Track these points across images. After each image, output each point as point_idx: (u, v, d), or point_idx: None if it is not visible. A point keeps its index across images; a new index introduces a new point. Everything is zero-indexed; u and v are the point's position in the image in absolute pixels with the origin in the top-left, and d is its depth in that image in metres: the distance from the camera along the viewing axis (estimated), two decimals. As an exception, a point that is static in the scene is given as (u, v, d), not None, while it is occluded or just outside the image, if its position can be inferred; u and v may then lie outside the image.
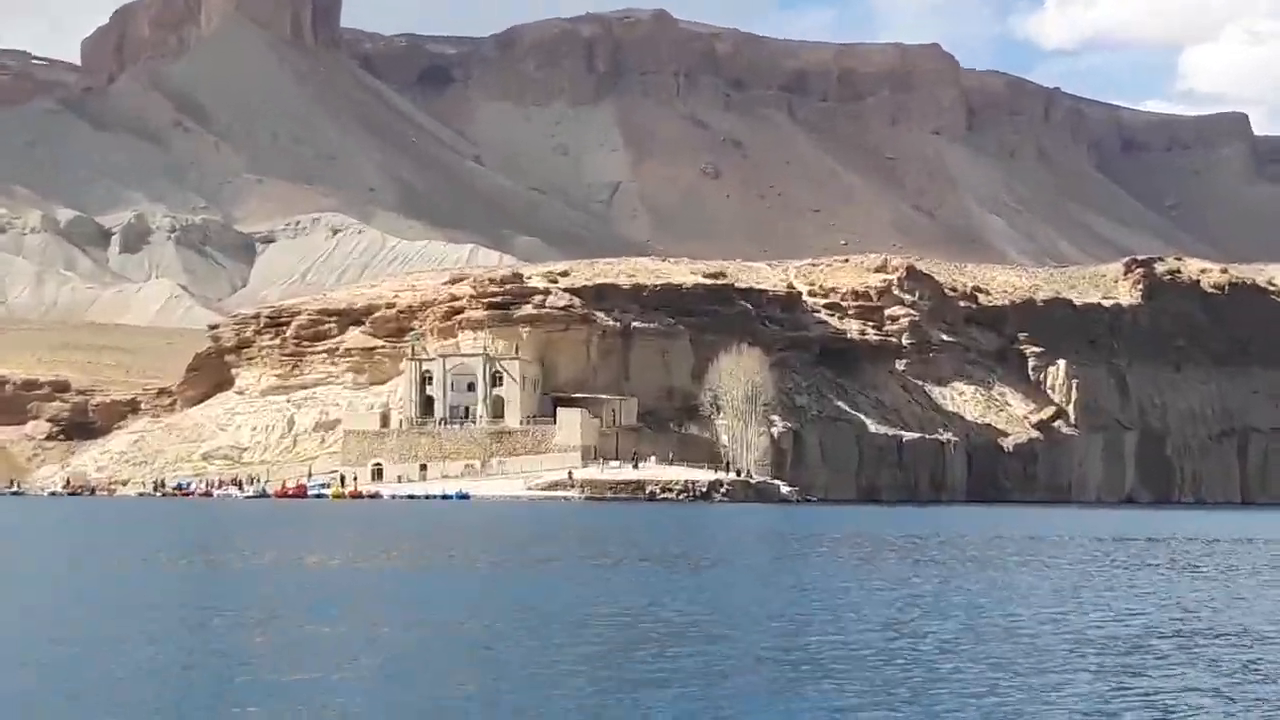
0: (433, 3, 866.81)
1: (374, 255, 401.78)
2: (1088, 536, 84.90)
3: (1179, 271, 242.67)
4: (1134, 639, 27.80)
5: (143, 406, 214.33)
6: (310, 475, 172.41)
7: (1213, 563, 59.40)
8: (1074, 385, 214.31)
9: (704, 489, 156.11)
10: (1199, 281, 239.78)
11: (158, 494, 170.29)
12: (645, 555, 57.13)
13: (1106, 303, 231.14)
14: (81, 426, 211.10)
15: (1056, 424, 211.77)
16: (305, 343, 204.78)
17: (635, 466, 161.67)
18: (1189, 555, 65.92)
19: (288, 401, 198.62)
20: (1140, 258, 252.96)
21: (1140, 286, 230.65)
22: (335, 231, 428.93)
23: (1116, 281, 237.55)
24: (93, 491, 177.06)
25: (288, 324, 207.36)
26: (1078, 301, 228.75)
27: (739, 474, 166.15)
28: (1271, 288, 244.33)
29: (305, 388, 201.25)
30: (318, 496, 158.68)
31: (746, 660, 24.86)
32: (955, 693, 21.57)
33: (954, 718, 19.67)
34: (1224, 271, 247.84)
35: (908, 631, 29.48)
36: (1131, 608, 35.40)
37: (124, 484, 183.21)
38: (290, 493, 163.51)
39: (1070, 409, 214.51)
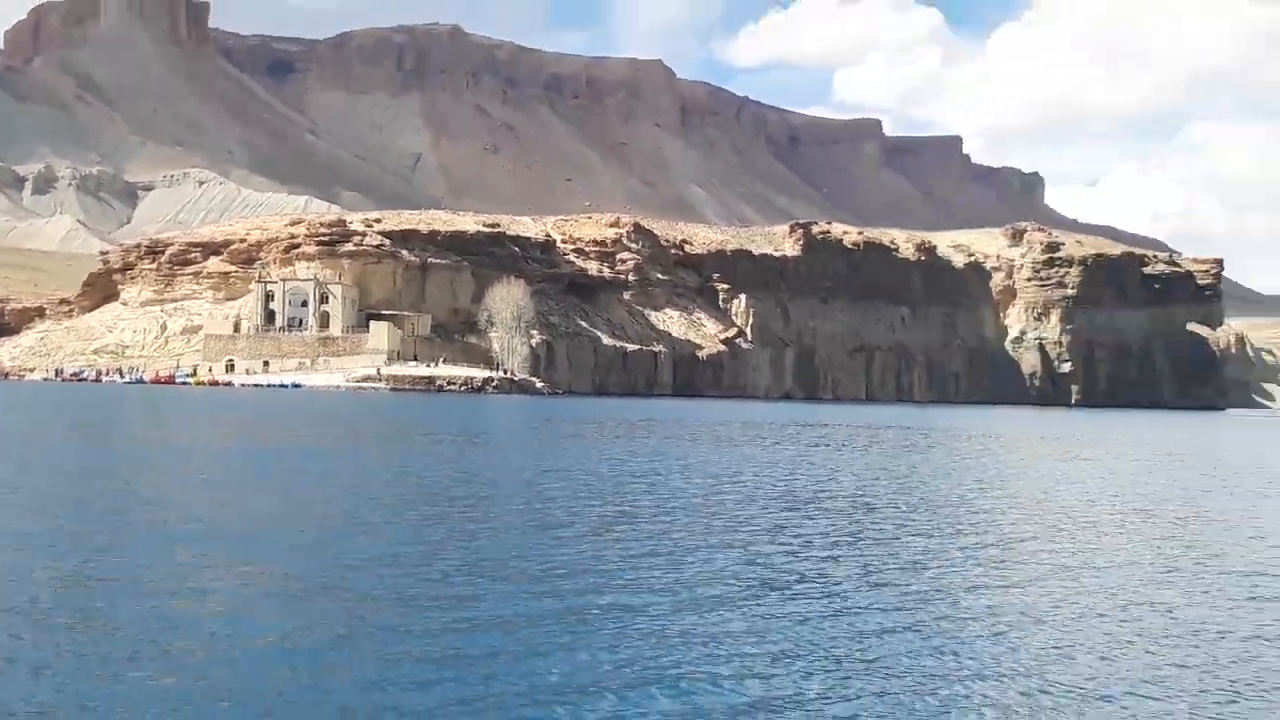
0: (282, 10, 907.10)
1: (231, 202, 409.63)
2: (766, 421, 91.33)
3: (828, 233, 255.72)
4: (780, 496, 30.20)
5: (48, 312, 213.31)
6: (178, 367, 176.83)
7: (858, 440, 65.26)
8: (751, 313, 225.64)
9: (479, 384, 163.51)
10: (842, 240, 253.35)
11: (57, 379, 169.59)
12: (435, 432, 61.57)
13: (776, 254, 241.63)
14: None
15: (738, 341, 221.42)
16: (176, 267, 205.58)
17: (429, 365, 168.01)
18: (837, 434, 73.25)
19: (161, 311, 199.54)
20: (801, 222, 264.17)
21: (800, 243, 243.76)
22: (201, 183, 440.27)
23: (784, 239, 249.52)
24: (5, 376, 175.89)
25: (163, 252, 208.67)
26: (755, 252, 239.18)
27: (506, 373, 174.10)
28: (892, 246, 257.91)
29: (175, 301, 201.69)
30: (182, 383, 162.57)
31: (505, 507, 26.87)
32: (647, 521, 24.48)
33: (643, 535, 22.43)
34: (860, 234, 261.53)
35: (615, 485, 32.16)
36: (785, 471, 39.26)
37: (30, 371, 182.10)
38: (161, 379, 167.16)
39: (748, 330, 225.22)
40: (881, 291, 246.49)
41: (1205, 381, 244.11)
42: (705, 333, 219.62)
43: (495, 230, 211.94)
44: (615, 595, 17.20)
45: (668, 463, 43.66)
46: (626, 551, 21.04)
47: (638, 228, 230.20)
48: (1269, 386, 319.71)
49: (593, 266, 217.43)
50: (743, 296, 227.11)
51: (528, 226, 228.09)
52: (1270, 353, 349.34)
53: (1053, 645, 15.34)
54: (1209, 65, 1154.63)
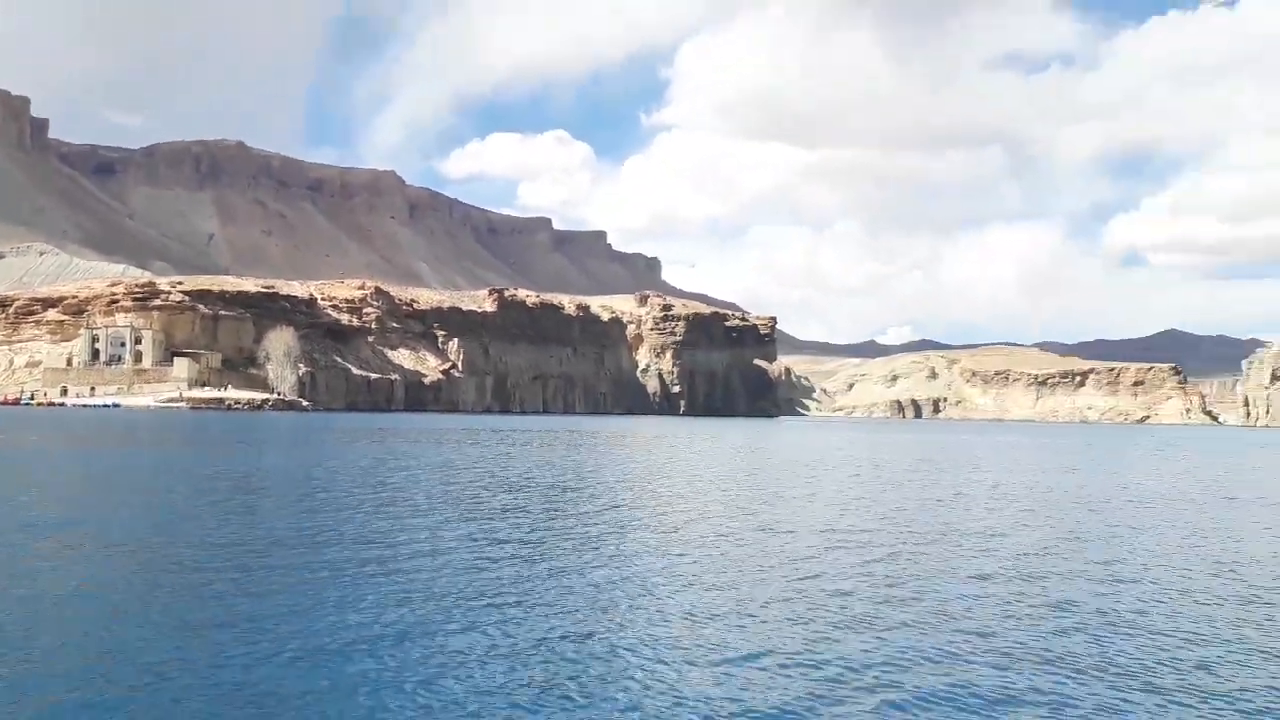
0: (107, 124, 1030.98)
1: (65, 268, 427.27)
2: (478, 427, 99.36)
3: (515, 295, 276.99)
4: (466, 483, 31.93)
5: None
6: (22, 392, 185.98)
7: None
8: (461, 351, 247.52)
9: (259, 404, 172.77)
10: (525, 301, 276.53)
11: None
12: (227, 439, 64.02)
13: (479, 310, 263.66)
14: None
15: (452, 371, 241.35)
16: (22, 316, 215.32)
17: (220, 390, 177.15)
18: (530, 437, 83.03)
19: (10, 349, 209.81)
20: (496, 288, 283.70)
21: (496, 302, 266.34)
22: (41, 254, 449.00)
23: (484, 299, 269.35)
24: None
25: (11, 305, 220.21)
26: (464, 308, 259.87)
27: (279, 395, 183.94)
28: (559, 305, 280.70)
29: (21, 342, 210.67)
30: (26, 404, 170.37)
31: (274, 493, 29.51)
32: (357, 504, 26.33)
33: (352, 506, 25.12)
34: (537, 297, 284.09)
35: (355, 476, 35.19)
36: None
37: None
38: (9, 401, 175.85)
39: (459, 363, 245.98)
40: (553, 337, 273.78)
41: (765, 398, 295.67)
42: (428, 365, 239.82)
43: (271, 290, 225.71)
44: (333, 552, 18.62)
45: (396, 452, 49.03)
46: (380, 521, 22.76)
47: (378, 290, 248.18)
48: (806, 401, 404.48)
49: (345, 318, 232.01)
50: (455, 340, 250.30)
51: (296, 288, 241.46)
52: (805, 379, 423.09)
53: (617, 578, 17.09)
54: (765, 189, 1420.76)
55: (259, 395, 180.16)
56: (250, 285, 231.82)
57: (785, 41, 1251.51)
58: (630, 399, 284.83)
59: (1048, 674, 12.67)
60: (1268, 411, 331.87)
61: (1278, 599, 17.94)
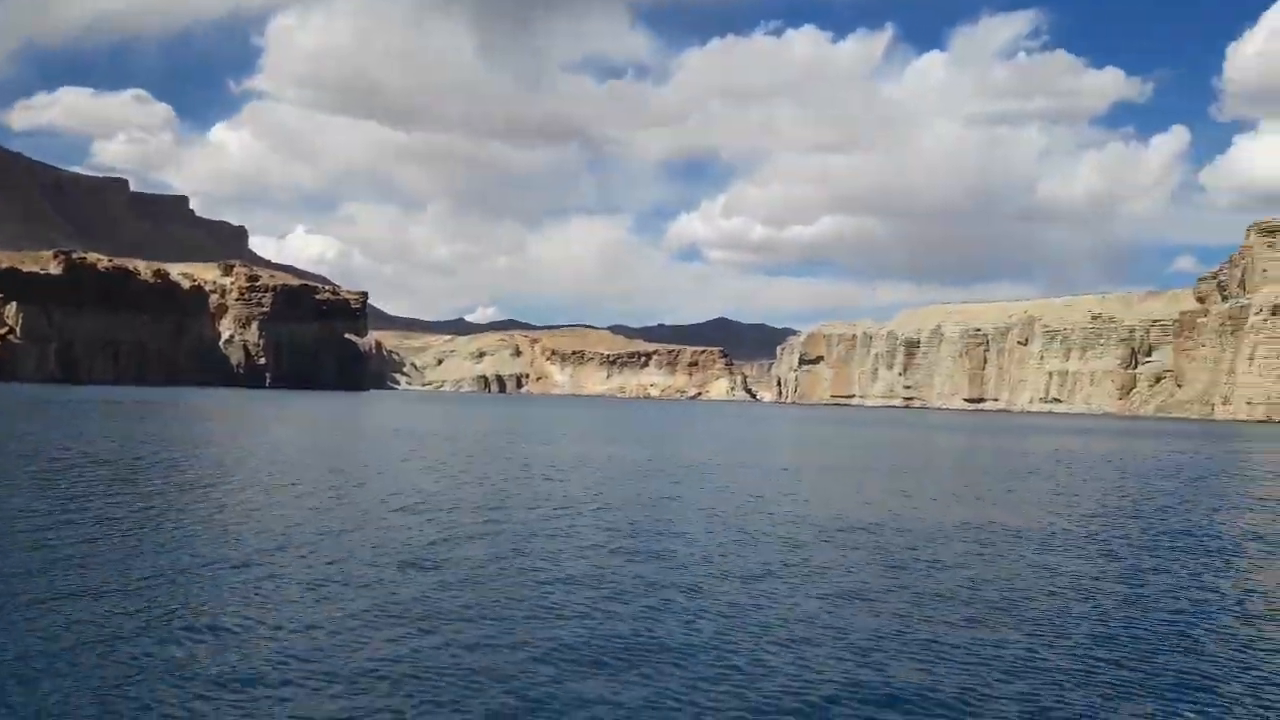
0: None
1: None
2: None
3: (85, 258, 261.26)
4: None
5: None
6: None
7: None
8: (21, 317, 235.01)
9: None
10: (96, 265, 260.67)
11: None
12: None
13: (43, 272, 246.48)
14: None
15: (9, 337, 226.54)
16: None
17: None
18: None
19: None
20: (64, 250, 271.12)
21: (63, 265, 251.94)
22: None
23: (49, 260, 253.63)
24: None
25: None
26: (24, 270, 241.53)
27: None
28: (137, 273, 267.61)
29: None
30: None
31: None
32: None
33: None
34: (110, 262, 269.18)
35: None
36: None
37: None
38: None
39: (18, 330, 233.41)
40: (127, 304, 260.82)
41: (356, 372, 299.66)
42: None
43: None
44: None
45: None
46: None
47: None
48: (397, 375, 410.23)
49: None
50: (14, 304, 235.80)
51: None
52: (396, 354, 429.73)
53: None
54: (357, 166, 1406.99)
55: None
56: None
57: (382, 22, 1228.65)
58: (212, 371, 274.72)
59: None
60: (795, 390, 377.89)
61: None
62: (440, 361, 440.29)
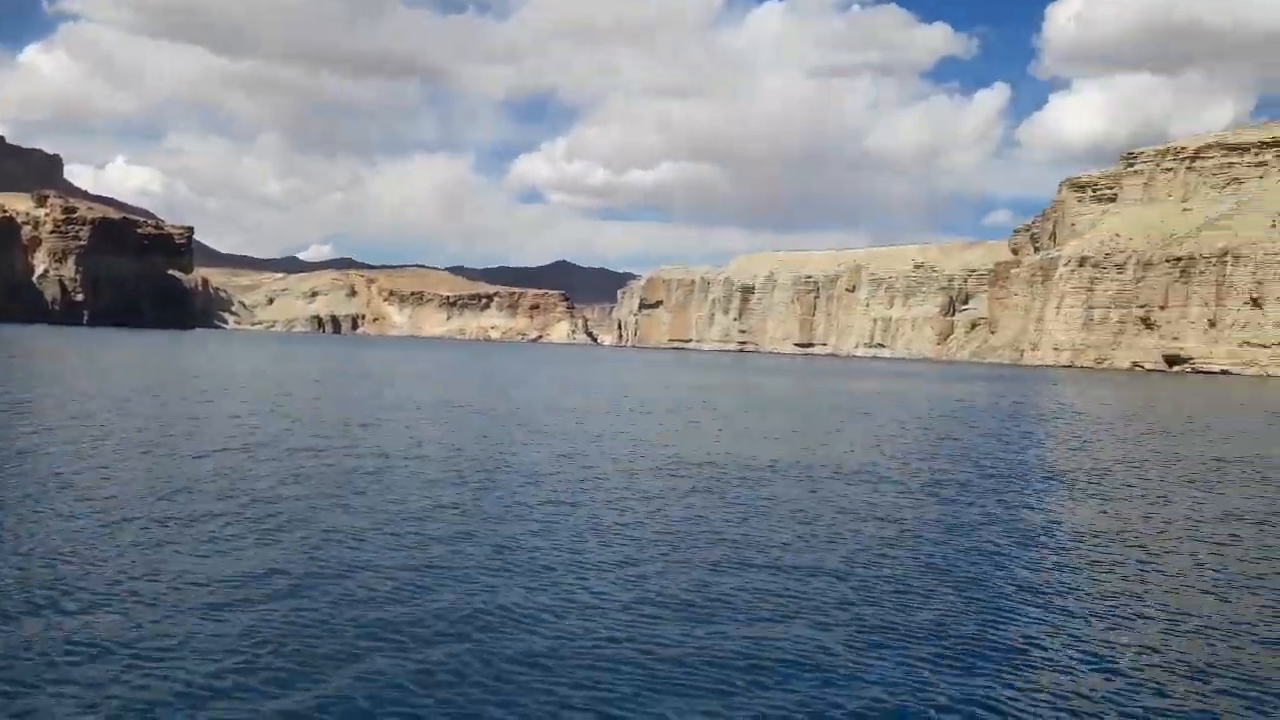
0: None
1: None
2: None
3: None
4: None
5: None
6: None
7: None
8: None
9: None
10: None
11: None
12: None
13: None
14: None
15: None
16: None
17: None
18: None
19: None
20: None
21: None
22: None
23: None
24: None
25: None
26: None
27: None
28: None
29: None
30: None
31: None
32: None
33: None
34: None
35: None
36: None
37: None
38: None
39: None
40: None
41: (181, 310, 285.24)
42: None
43: None
44: None
45: None
46: None
47: None
48: (225, 314, 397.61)
49: None
50: None
51: None
52: (224, 292, 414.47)
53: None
54: (182, 94, 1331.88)
55: None
56: None
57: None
58: (25, 307, 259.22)
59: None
60: (635, 333, 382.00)
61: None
62: (271, 301, 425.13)
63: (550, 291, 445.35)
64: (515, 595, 11.54)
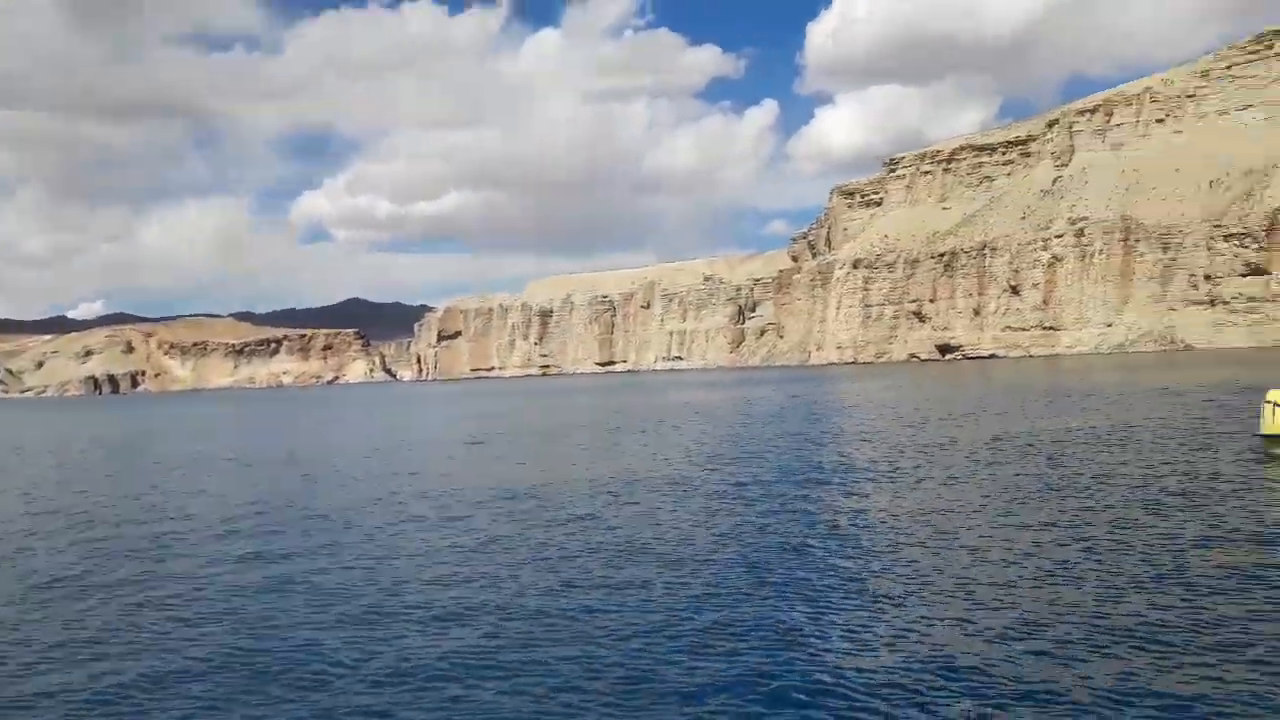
0: None
1: None
2: None
3: None
4: None
5: None
6: None
7: None
8: None
9: None
10: None
11: None
12: None
13: None
14: None
15: None
16: None
17: None
18: None
19: None
20: None
21: None
22: None
23: None
24: None
25: None
26: None
27: None
28: None
29: None
30: None
31: None
32: None
33: None
34: None
35: None
36: None
37: None
38: None
39: None
40: None
41: None
42: None
43: None
44: None
45: None
46: None
47: None
48: None
49: None
50: None
51: None
52: None
53: None
54: None
55: None
56: None
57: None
58: None
59: None
60: (436, 366, 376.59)
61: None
62: (40, 364, 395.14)
63: (343, 331, 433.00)
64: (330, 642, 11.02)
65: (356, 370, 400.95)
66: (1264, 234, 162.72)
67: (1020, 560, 13.16)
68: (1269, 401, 20.66)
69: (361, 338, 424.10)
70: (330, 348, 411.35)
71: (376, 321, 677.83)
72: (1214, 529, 14.29)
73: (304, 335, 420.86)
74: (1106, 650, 9.32)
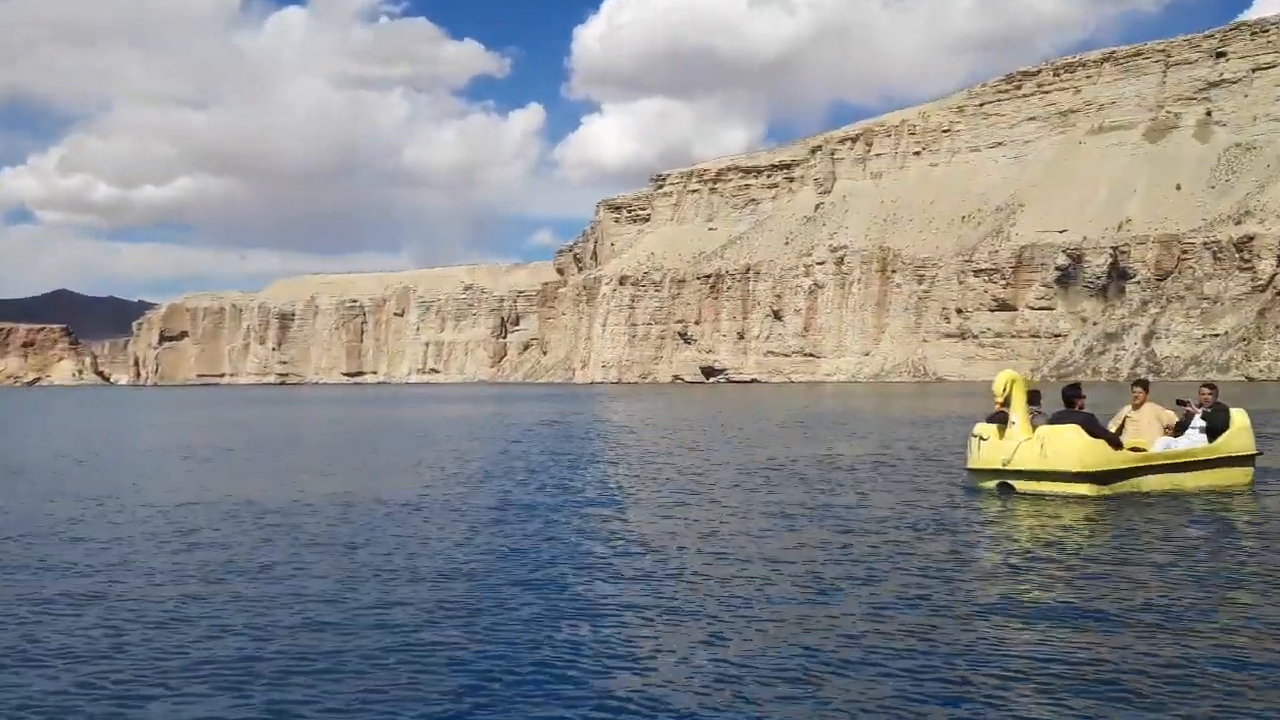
0: None
1: None
2: None
3: None
4: None
5: None
6: None
7: None
8: None
9: None
10: None
11: None
12: None
13: None
14: None
15: None
16: None
17: None
18: None
19: None
20: None
21: None
22: None
23: None
24: None
25: None
26: None
27: None
28: None
29: None
30: None
31: None
32: None
33: None
34: None
35: None
36: None
37: None
38: None
39: None
40: None
41: None
42: None
43: None
44: None
45: None
46: None
47: None
48: None
49: None
50: None
51: None
52: None
53: None
54: None
55: None
56: None
57: None
58: None
59: None
60: (157, 370, 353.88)
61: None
62: None
63: (49, 326, 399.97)
64: None
65: (63, 371, 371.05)
66: (1011, 271, 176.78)
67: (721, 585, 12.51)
68: (975, 435, 21.58)
69: (69, 334, 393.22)
70: (32, 344, 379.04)
71: (88, 317, 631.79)
72: (905, 559, 14.56)
73: (1, 329, 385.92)
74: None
